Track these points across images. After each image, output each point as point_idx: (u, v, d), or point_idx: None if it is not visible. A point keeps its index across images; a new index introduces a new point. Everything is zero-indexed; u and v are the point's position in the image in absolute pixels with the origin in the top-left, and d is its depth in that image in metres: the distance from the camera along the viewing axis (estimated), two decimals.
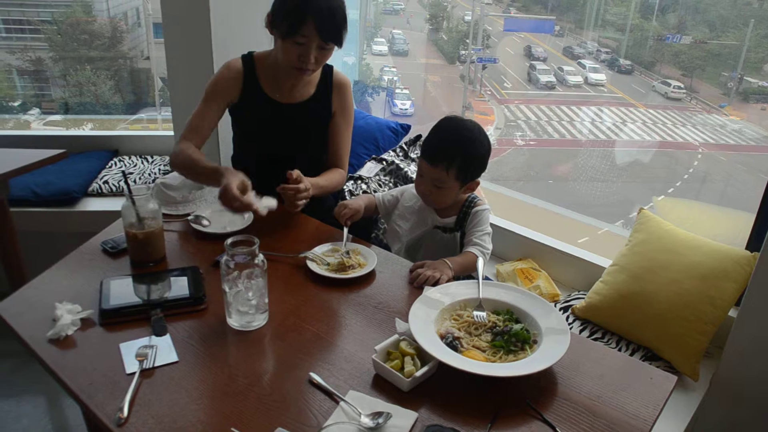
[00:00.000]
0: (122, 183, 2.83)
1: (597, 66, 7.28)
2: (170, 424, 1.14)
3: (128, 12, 5.19)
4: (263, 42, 1.96)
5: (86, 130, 4.46)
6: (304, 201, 1.78)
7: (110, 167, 2.99)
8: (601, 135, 6.99)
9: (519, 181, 6.39)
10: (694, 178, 6.28)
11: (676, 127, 6.75)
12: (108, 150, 3.14)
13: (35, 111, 4.83)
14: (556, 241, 2.41)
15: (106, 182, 2.84)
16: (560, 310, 2.12)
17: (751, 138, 6.43)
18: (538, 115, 7.33)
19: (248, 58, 2.00)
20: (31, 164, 2.29)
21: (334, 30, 1.80)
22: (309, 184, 1.79)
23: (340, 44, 1.84)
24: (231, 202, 1.61)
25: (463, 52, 7.95)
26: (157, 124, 4.57)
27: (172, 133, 2.94)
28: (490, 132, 6.90)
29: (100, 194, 2.80)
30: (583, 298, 2.10)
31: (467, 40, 7.82)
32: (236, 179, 1.65)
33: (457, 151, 1.75)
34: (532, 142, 7.08)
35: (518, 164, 6.89)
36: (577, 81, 7.52)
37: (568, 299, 2.18)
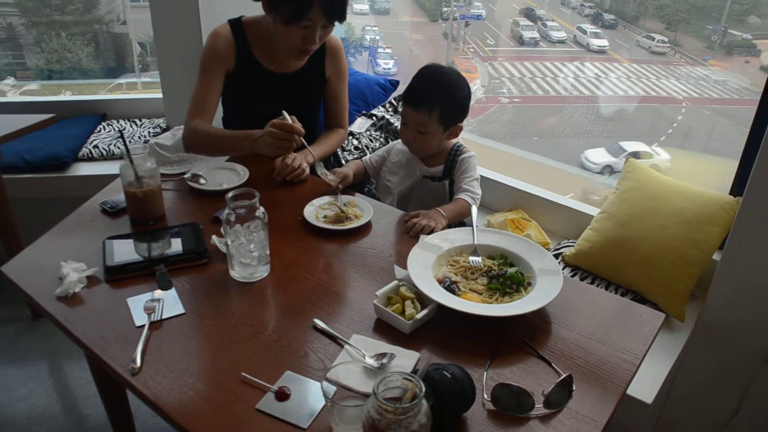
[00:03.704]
0: (113, 147, 2.82)
1: (598, 31, 7.19)
2: (183, 372, 1.19)
3: None
4: (249, 3, 1.91)
5: (72, 95, 4.39)
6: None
7: (99, 131, 2.97)
8: (585, 90, 7.00)
9: (504, 137, 6.42)
10: (678, 133, 6.32)
11: (659, 81, 6.76)
12: (96, 114, 3.12)
13: (10, 80, 4.73)
14: (545, 192, 2.44)
15: (96, 146, 2.83)
16: None
17: (733, 90, 6.46)
18: (522, 71, 7.31)
19: (237, 25, 1.94)
20: (21, 129, 2.27)
21: (339, 8, 1.79)
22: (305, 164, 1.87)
23: (343, 21, 1.83)
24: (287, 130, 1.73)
25: (446, 9, 7.88)
26: (137, 90, 4.50)
27: (160, 95, 2.92)
28: (477, 88, 6.89)
29: (90, 159, 2.79)
30: (573, 245, 2.16)
31: None
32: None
33: (438, 94, 1.79)
34: (516, 99, 7.09)
35: (504, 121, 6.90)
36: (560, 37, 7.48)
37: (558, 247, 2.24)
